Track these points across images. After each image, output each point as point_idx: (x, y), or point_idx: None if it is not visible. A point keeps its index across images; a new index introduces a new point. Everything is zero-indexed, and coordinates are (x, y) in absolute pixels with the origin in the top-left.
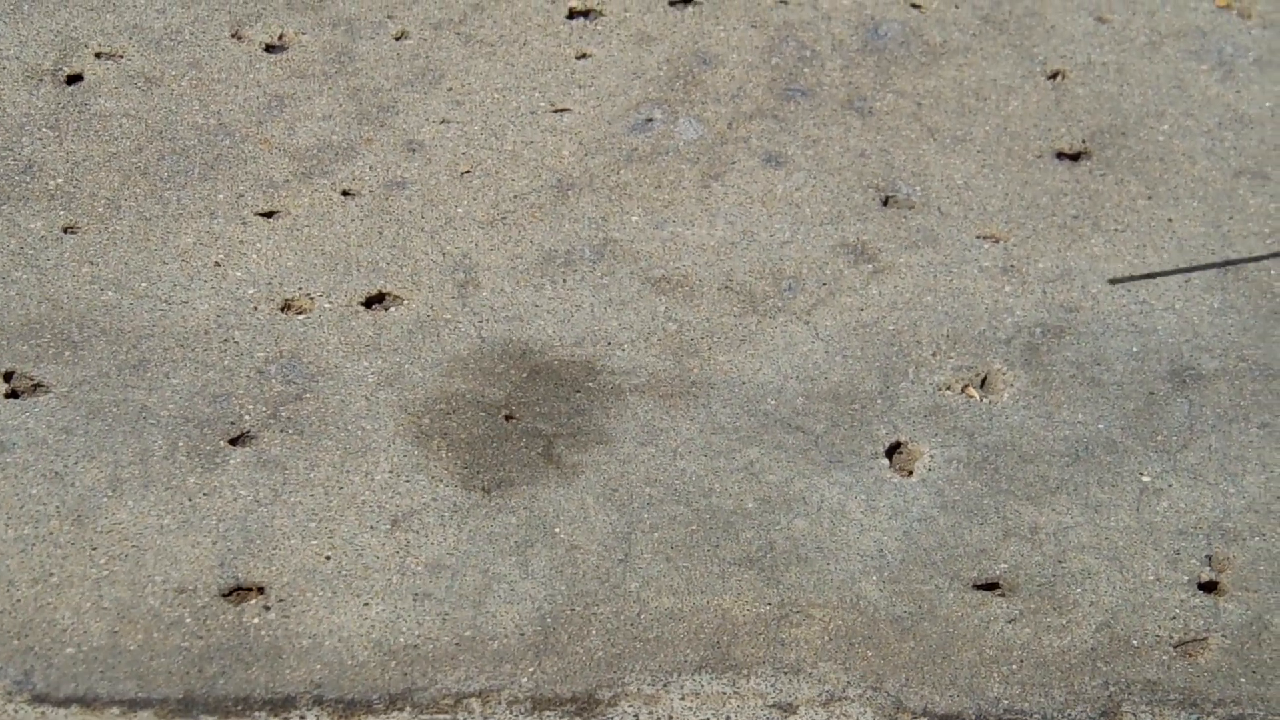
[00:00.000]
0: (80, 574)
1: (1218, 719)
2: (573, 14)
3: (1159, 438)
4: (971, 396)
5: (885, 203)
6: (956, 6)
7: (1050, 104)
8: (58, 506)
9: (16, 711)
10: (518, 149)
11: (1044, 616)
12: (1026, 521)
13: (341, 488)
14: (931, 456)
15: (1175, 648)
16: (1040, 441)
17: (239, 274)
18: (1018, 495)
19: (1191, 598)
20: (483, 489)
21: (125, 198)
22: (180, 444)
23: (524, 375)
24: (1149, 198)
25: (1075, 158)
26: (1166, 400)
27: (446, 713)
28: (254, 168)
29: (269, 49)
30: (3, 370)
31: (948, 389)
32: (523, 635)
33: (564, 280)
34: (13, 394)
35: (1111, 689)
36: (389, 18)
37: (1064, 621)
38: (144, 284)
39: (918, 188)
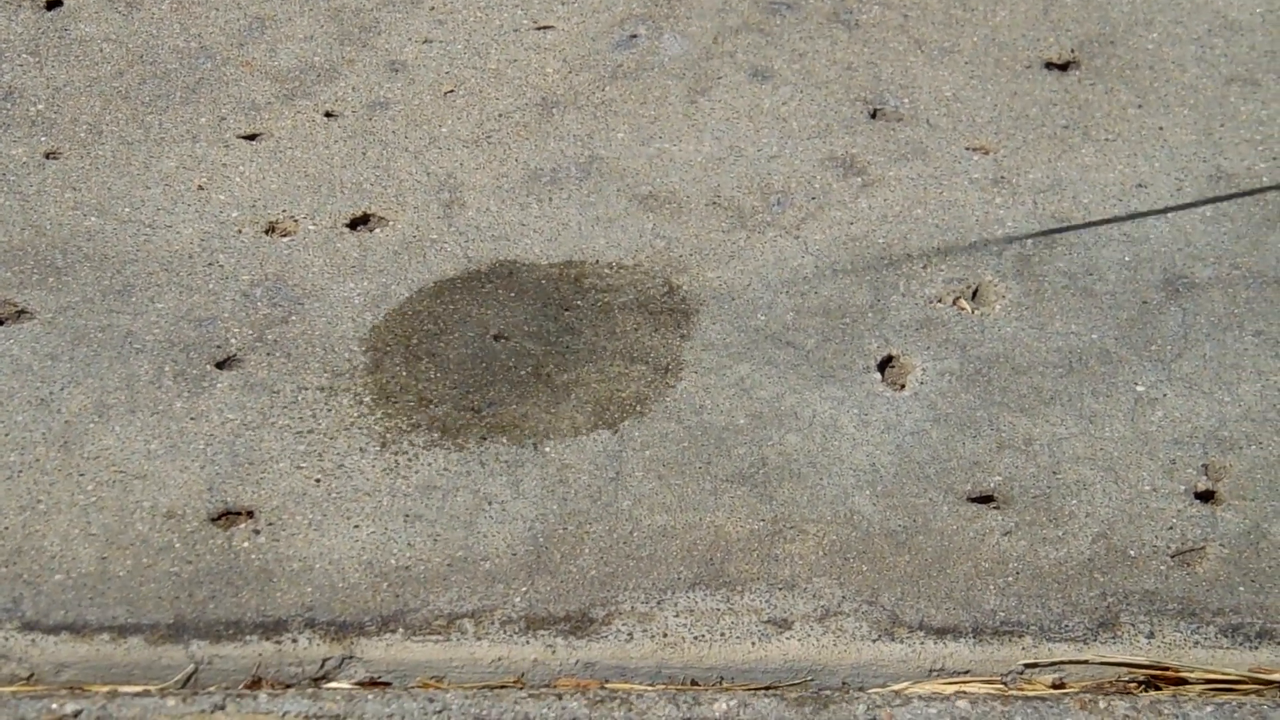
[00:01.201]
0: (68, 500)
1: (1217, 628)
2: None
3: (1153, 347)
4: (963, 309)
5: (873, 115)
6: None
7: (1038, 13)
8: (44, 433)
9: (6, 639)
10: (501, 67)
11: (1040, 528)
12: (1020, 433)
13: (330, 410)
14: (924, 369)
15: (1173, 557)
16: (1033, 353)
17: (222, 197)
18: (1011, 407)
19: (1188, 507)
20: (472, 409)
21: (107, 123)
22: (166, 368)
23: (512, 294)
24: (1139, 106)
25: (1064, 67)
26: (1160, 309)
27: (439, 634)
28: (236, 90)
29: None
30: None
31: (939, 302)
32: (515, 555)
33: (550, 199)
34: None
35: (1109, 600)
36: None
37: (1060, 533)
38: (127, 209)
39: (906, 100)
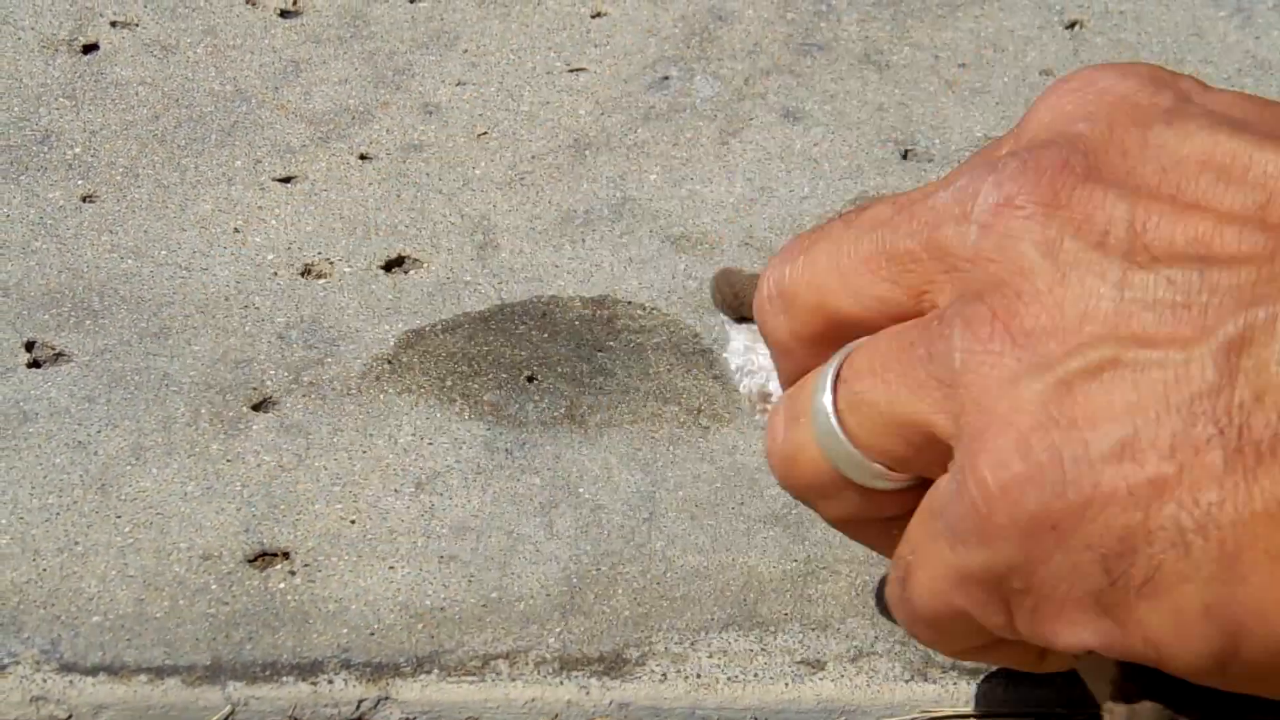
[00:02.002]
0: (105, 542)
1: None
2: None
3: None
4: None
5: (905, 156)
6: None
7: (1068, 54)
8: (81, 475)
9: (45, 680)
10: (534, 109)
11: None
12: None
13: (365, 451)
14: None
15: None
16: None
17: (258, 240)
18: None
19: None
20: (506, 450)
21: (143, 166)
22: (203, 410)
23: (545, 336)
24: None
25: None
26: None
27: (474, 674)
28: (271, 133)
29: (283, 14)
30: (24, 340)
31: None
32: (549, 596)
33: (583, 240)
34: (35, 364)
35: None
36: None
37: None
38: (164, 251)
39: (937, 140)
